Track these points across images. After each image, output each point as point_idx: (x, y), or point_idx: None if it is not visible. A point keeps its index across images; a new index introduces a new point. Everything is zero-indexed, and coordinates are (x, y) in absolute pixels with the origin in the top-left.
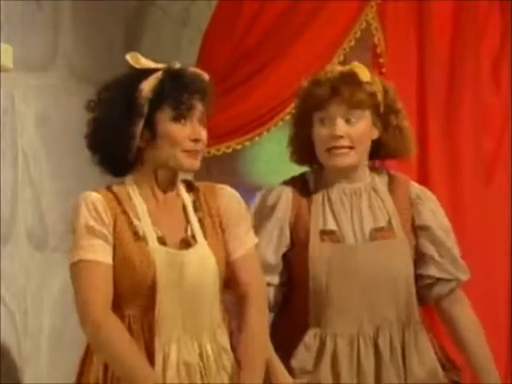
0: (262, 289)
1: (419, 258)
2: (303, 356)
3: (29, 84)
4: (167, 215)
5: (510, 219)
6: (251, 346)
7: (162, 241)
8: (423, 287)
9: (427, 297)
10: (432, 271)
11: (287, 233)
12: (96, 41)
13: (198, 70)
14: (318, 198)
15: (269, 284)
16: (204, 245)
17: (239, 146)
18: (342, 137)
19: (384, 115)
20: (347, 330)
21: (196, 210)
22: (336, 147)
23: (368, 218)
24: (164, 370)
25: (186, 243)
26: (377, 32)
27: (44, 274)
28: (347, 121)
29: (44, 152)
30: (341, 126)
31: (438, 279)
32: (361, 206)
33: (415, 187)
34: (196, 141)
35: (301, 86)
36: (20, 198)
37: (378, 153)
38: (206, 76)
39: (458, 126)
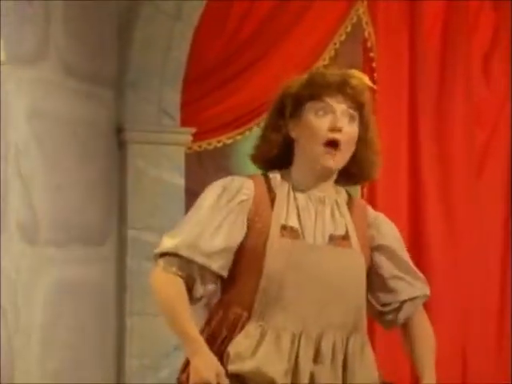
0: None
1: (381, 284)
2: (242, 343)
3: (20, 77)
4: None
5: (502, 210)
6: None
7: None
8: (389, 312)
9: (394, 321)
10: (400, 292)
11: (245, 221)
12: (88, 35)
13: None
14: (282, 194)
15: (214, 273)
16: None
17: (230, 141)
18: (341, 131)
19: (365, 132)
20: (291, 327)
21: None
22: (331, 144)
23: (329, 225)
24: None
25: None
26: (367, 26)
27: (35, 268)
28: (345, 119)
29: (35, 145)
30: (342, 120)
31: (404, 301)
32: (324, 213)
33: (372, 211)
34: None
35: (291, 78)
36: (10, 191)
37: (348, 171)
38: None
39: (450, 119)
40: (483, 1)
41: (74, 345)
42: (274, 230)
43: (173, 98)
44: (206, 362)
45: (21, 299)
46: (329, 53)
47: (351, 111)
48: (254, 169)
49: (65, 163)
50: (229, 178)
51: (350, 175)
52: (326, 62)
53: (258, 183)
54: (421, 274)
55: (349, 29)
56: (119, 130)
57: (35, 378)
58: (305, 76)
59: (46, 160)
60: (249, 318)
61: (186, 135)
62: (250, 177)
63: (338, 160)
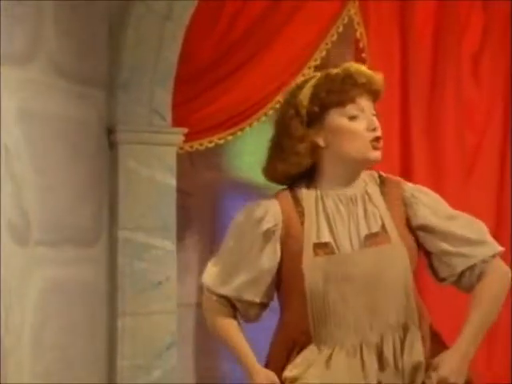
0: None
1: (433, 260)
2: (298, 366)
3: (11, 78)
4: None
5: (492, 211)
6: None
7: None
8: (451, 283)
9: (465, 289)
10: (454, 265)
11: (277, 246)
12: (79, 35)
13: None
14: (310, 209)
15: (249, 302)
16: None
17: (222, 141)
18: (378, 129)
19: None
20: (349, 341)
21: None
22: (378, 139)
23: (363, 225)
24: None
25: None
26: (359, 27)
27: (26, 268)
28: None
29: (26, 146)
30: (374, 118)
31: (461, 273)
32: (357, 212)
33: (408, 186)
34: None
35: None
36: (2, 192)
37: None
38: None
39: (441, 120)
40: (473, 1)
41: (65, 345)
42: (308, 251)
43: (164, 98)
44: (258, 374)
45: (11, 299)
46: (320, 53)
47: (373, 108)
48: (246, 170)
49: (56, 164)
50: (253, 205)
51: None
52: (318, 63)
53: (285, 202)
54: (476, 235)
55: (340, 29)
56: (110, 131)
57: (26, 378)
58: (320, 81)
59: (37, 161)
60: (307, 342)
61: (177, 135)
62: (276, 196)
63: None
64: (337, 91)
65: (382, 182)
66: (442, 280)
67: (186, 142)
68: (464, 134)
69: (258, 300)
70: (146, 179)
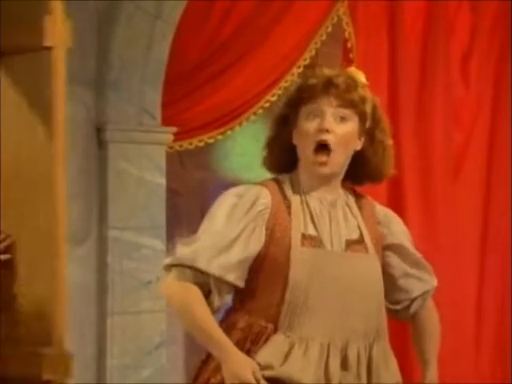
0: None
1: (392, 283)
2: (271, 353)
3: None
4: None
5: (479, 210)
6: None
7: None
8: (402, 309)
9: (405, 316)
10: (412, 290)
11: (263, 231)
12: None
13: None
14: (296, 202)
15: (229, 284)
16: None
17: (211, 140)
18: (328, 131)
19: (370, 129)
20: (319, 337)
21: None
22: (320, 148)
23: (344, 229)
24: None
25: None
26: (348, 27)
27: None
28: (336, 118)
29: None
30: (330, 121)
31: (415, 298)
32: (337, 216)
33: (380, 208)
34: None
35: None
36: None
37: (357, 171)
38: None
39: (429, 120)
40: (462, 1)
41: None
42: (295, 240)
43: (153, 97)
44: (240, 363)
45: None
46: (310, 52)
47: (342, 111)
48: (236, 169)
49: None
50: (244, 187)
51: (357, 175)
52: (307, 62)
53: (274, 192)
54: (426, 263)
55: (330, 29)
56: (100, 130)
57: None
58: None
59: None
60: (274, 331)
61: (167, 135)
62: (264, 185)
63: (332, 163)
64: (298, 90)
65: (357, 197)
66: (394, 304)
67: (175, 141)
68: (452, 133)
69: (240, 284)
70: (135, 178)
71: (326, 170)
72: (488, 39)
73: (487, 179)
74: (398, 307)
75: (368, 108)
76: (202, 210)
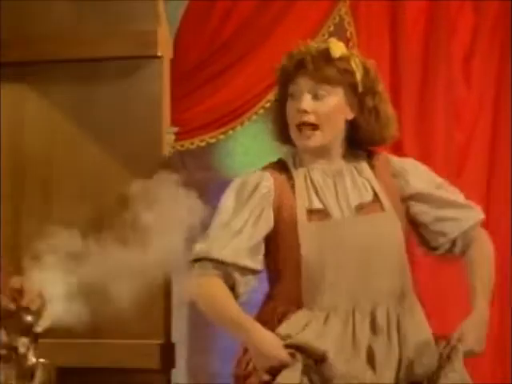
0: None
1: (427, 230)
2: (290, 324)
3: None
4: None
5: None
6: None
7: None
8: (446, 252)
9: (454, 257)
10: (448, 232)
11: (270, 213)
12: None
13: None
14: (299, 178)
15: (247, 268)
16: None
17: (213, 140)
18: (306, 111)
19: (360, 96)
20: (343, 306)
21: None
22: (303, 124)
23: (353, 195)
24: None
25: None
26: (349, 26)
27: None
28: (315, 96)
29: None
30: (307, 101)
31: (455, 238)
32: (345, 184)
33: (397, 161)
34: None
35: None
36: None
37: (358, 138)
38: None
39: (431, 119)
40: (463, 1)
41: None
42: (302, 217)
43: None
44: (269, 342)
45: None
46: None
47: (319, 88)
48: (238, 169)
49: None
50: (245, 175)
51: (357, 141)
52: None
53: (276, 174)
54: (462, 201)
55: (331, 28)
56: None
57: None
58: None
59: None
60: (299, 306)
61: (168, 134)
62: (266, 169)
63: (318, 137)
64: (281, 72)
65: (370, 157)
66: (434, 249)
67: (177, 140)
68: (454, 133)
69: (257, 267)
70: None
71: (311, 143)
72: (490, 39)
73: (488, 179)
74: (439, 252)
75: (356, 76)
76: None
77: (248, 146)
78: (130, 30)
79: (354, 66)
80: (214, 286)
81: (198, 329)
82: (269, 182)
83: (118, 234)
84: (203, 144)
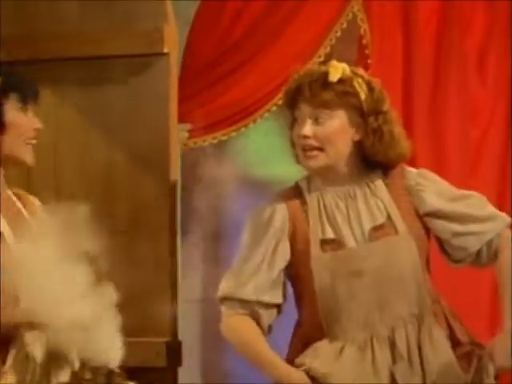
0: None
1: (448, 244)
2: (307, 353)
3: None
4: None
5: (494, 206)
6: None
7: None
8: (471, 264)
9: (481, 267)
10: (469, 246)
11: (286, 245)
12: None
13: None
14: (313, 205)
15: (269, 304)
16: None
17: (225, 137)
18: (307, 137)
19: (364, 118)
20: (360, 335)
21: None
22: (305, 148)
23: (366, 218)
24: None
25: None
26: (363, 23)
27: None
28: (316, 121)
29: None
30: (307, 126)
31: (478, 251)
32: (357, 206)
33: (411, 173)
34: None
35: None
36: None
37: (368, 160)
38: None
39: (444, 116)
40: (476, 1)
41: None
42: (315, 248)
43: None
44: (290, 377)
45: None
46: (324, 49)
47: (318, 112)
48: (250, 166)
49: None
50: (259, 208)
51: (370, 161)
52: (322, 59)
53: (290, 201)
54: (486, 212)
55: (344, 25)
56: None
57: None
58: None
59: None
60: (322, 339)
61: (181, 132)
62: (281, 196)
63: (321, 158)
64: (284, 97)
65: (385, 174)
66: (458, 262)
67: (189, 138)
68: (467, 131)
69: (278, 301)
70: None
71: (313, 164)
72: (503, 37)
73: (502, 177)
74: (462, 264)
75: (355, 98)
76: (216, 207)
77: (260, 143)
78: (136, 27)
79: (357, 86)
80: (243, 326)
81: (210, 327)
82: (282, 213)
83: (129, 231)
84: (215, 141)
